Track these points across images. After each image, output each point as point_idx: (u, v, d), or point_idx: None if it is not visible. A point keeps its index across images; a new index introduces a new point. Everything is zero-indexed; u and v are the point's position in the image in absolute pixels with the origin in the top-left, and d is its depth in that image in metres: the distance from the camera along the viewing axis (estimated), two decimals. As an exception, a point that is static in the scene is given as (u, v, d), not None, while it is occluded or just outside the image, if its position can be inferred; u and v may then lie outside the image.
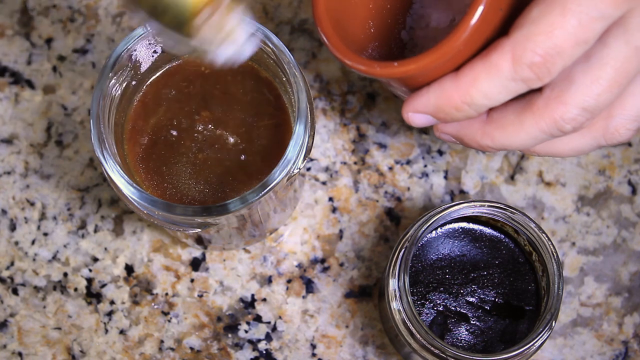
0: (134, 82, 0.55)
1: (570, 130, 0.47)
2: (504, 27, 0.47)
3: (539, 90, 0.47)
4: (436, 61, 0.47)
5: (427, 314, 0.56)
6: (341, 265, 0.65)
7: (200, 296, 0.65)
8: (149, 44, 0.53)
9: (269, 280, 0.65)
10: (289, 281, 0.65)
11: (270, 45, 0.52)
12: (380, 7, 0.57)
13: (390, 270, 0.55)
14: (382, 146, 0.66)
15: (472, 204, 0.55)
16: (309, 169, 0.66)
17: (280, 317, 0.64)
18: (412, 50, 0.58)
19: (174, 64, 0.57)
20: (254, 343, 0.64)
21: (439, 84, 0.47)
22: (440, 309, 0.56)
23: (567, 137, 0.49)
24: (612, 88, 0.45)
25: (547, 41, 0.43)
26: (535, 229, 0.54)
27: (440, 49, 0.47)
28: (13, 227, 0.66)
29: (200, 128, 0.55)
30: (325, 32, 0.51)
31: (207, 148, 0.55)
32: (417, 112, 0.49)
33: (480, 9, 0.46)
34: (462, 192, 0.66)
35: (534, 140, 0.48)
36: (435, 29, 0.57)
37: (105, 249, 0.65)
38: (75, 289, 0.65)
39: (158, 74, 0.56)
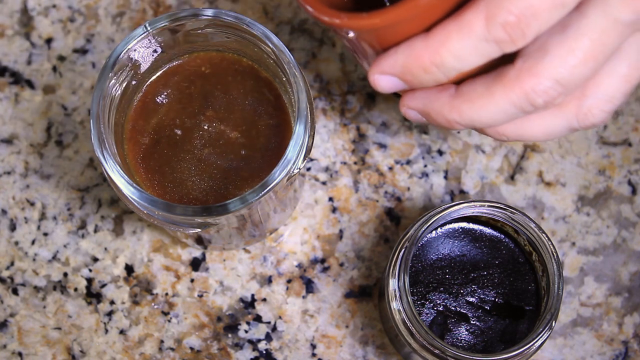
0: (134, 82, 0.55)
1: (541, 104, 0.45)
2: None
3: (510, 62, 0.45)
4: (407, 12, 0.44)
5: (427, 314, 0.56)
6: (341, 265, 0.65)
7: (200, 296, 0.65)
8: (149, 44, 0.53)
9: (269, 280, 0.65)
10: (289, 281, 0.65)
11: (270, 45, 0.52)
12: None
13: (390, 270, 0.55)
14: (382, 146, 0.66)
15: (472, 204, 0.55)
16: (309, 169, 0.66)
17: (280, 317, 0.64)
18: None
19: (174, 63, 0.57)
20: (254, 343, 0.64)
21: (408, 44, 0.45)
22: (440, 309, 0.56)
23: (539, 117, 0.47)
24: (588, 61, 0.43)
25: (523, 1, 0.41)
26: (535, 229, 0.54)
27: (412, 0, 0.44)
28: (13, 227, 0.66)
29: (200, 128, 0.55)
30: None
31: (206, 148, 0.55)
32: (383, 74, 0.46)
33: None
34: (462, 192, 0.66)
35: (503, 114, 0.46)
36: None
37: (105, 249, 0.65)
38: (75, 289, 0.65)
39: (158, 74, 0.56)
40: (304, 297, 0.65)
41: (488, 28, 0.42)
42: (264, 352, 0.64)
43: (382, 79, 0.46)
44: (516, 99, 0.45)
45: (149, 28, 0.52)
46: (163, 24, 0.52)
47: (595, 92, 0.46)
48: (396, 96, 0.67)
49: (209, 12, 0.52)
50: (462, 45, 0.43)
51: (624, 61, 0.45)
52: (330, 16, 0.46)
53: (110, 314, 0.64)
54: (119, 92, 0.54)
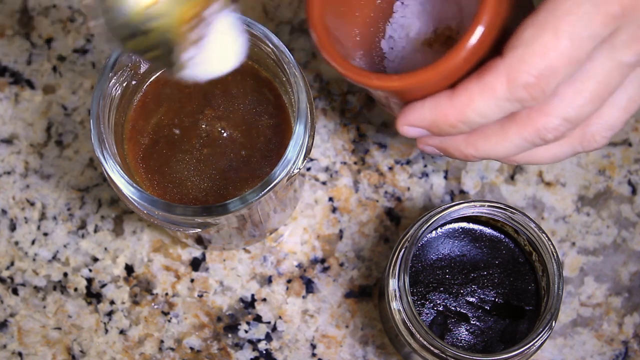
0: (134, 82, 0.55)
1: (551, 139, 0.48)
2: (496, 47, 0.47)
3: None
4: (434, 77, 0.48)
5: (427, 314, 0.56)
6: (341, 265, 0.65)
7: (200, 296, 0.65)
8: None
9: (269, 280, 0.65)
10: (289, 281, 0.65)
11: (270, 45, 0.52)
12: (364, 15, 0.58)
13: (390, 270, 0.55)
14: (382, 146, 0.66)
15: (472, 204, 0.55)
16: (309, 169, 0.66)
17: (280, 317, 0.64)
18: (393, 60, 0.58)
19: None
20: (254, 343, 0.64)
21: (434, 101, 0.48)
22: (440, 309, 0.56)
23: (547, 147, 0.51)
24: (594, 101, 0.47)
25: (541, 62, 0.44)
26: (535, 229, 0.54)
27: (440, 66, 0.47)
28: (13, 227, 0.66)
29: (199, 128, 0.55)
30: (321, 41, 0.52)
31: (206, 148, 0.55)
32: (412, 126, 0.50)
33: (480, 29, 0.46)
34: (462, 192, 0.66)
35: (516, 148, 0.49)
36: (416, 40, 0.57)
37: (105, 249, 0.65)
38: (75, 289, 0.65)
39: (158, 73, 0.56)
40: (304, 297, 0.65)
41: (510, 90, 0.45)
42: (264, 352, 0.64)
43: (410, 129, 0.50)
44: (528, 136, 0.48)
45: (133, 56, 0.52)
46: None
47: (598, 121, 0.49)
48: None
49: None
50: (485, 105, 0.46)
51: (624, 94, 0.48)
52: (361, 77, 0.50)
53: (110, 314, 0.64)
54: (119, 92, 0.54)
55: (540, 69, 0.44)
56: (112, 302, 0.64)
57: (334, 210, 0.66)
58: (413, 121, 0.49)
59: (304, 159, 0.52)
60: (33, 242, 0.65)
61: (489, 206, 0.55)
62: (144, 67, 0.55)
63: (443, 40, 0.57)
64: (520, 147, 0.49)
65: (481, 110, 0.46)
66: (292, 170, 0.51)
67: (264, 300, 0.65)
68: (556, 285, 0.53)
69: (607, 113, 0.48)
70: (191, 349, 0.64)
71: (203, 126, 0.55)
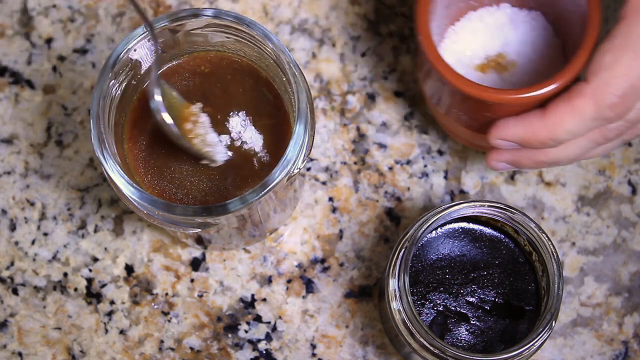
0: (133, 82, 0.55)
1: (613, 137, 0.54)
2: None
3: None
4: (551, 92, 0.53)
5: (427, 314, 0.56)
6: (341, 265, 0.65)
7: (200, 296, 0.65)
8: (149, 44, 0.53)
9: (269, 280, 0.65)
10: (289, 281, 0.65)
11: (270, 45, 0.52)
12: None
13: (390, 270, 0.55)
14: (382, 146, 0.66)
15: (472, 204, 0.55)
16: (309, 169, 0.66)
17: (280, 317, 0.64)
18: None
19: (174, 63, 0.57)
20: (254, 343, 0.64)
21: (527, 120, 0.53)
22: (440, 309, 0.56)
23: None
24: None
25: (624, 83, 0.48)
26: (535, 229, 0.54)
27: (556, 81, 0.53)
28: (13, 227, 0.66)
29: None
30: (432, 50, 0.56)
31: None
32: (504, 140, 0.54)
33: (589, 52, 0.53)
34: (462, 192, 0.66)
35: (583, 151, 0.55)
36: (467, 65, 0.61)
37: (105, 249, 0.65)
38: (75, 289, 0.65)
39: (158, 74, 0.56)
40: (304, 297, 0.65)
41: (598, 111, 0.49)
42: (264, 352, 0.64)
43: (501, 142, 0.55)
44: (594, 137, 0.54)
45: (147, 28, 0.52)
46: (163, 24, 0.52)
47: None
48: (396, 95, 0.67)
49: (209, 12, 0.52)
50: (574, 124, 0.51)
51: None
52: (480, 91, 0.54)
53: (110, 314, 0.64)
54: (119, 92, 0.54)
55: (623, 90, 0.48)
56: (112, 302, 0.64)
57: (334, 210, 0.66)
58: (506, 136, 0.54)
59: (304, 158, 0.52)
60: (33, 242, 0.65)
61: (489, 206, 0.55)
62: (143, 68, 0.55)
63: (493, 66, 0.60)
64: (584, 149, 0.54)
65: (571, 129, 0.51)
66: (292, 170, 0.51)
67: (264, 300, 0.65)
68: (556, 285, 0.53)
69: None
70: (191, 349, 0.64)
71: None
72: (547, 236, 0.54)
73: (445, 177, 0.66)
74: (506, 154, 0.57)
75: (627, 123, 0.52)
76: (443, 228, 0.58)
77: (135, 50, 0.53)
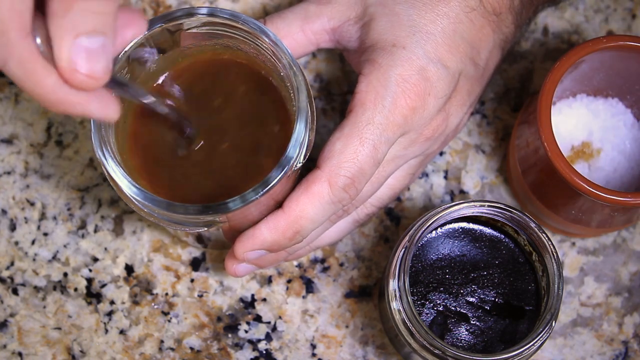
0: (134, 82, 0.55)
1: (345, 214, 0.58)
2: None
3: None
4: None
5: (427, 314, 0.56)
6: (341, 265, 0.65)
7: (200, 296, 0.65)
8: (147, 44, 0.53)
9: (269, 280, 0.65)
10: (289, 281, 0.65)
11: (267, 41, 0.52)
12: None
13: (390, 270, 0.55)
14: (382, 146, 0.66)
15: (472, 204, 0.55)
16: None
17: (280, 317, 0.64)
18: None
19: (173, 63, 0.56)
20: (254, 343, 0.64)
21: (271, 223, 0.54)
22: (440, 309, 0.56)
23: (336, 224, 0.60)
24: (379, 185, 0.58)
25: (353, 166, 0.53)
26: (535, 229, 0.54)
27: None
28: (13, 227, 0.66)
29: (200, 126, 0.55)
30: (555, 148, 0.57)
31: (207, 147, 0.55)
32: (252, 251, 0.55)
33: None
34: (462, 192, 0.66)
35: (317, 235, 0.59)
36: None
37: (105, 249, 0.65)
38: (75, 289, 0.65)
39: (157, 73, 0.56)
40: (304, 297, 0.65)
41: (334, 193, 0.53)
42: (264, 352, 0.64)
43: (251, 254, 0.55)
44: (332, 218, 0.58)
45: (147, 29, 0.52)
46: (159, 25, 0.52)
47: (373, 197, 0.60)
48: None
49: (204, 11, 0.52)
50: (315, 211, 0.53)
51: (392, 178, 0.60)
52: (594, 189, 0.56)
53: (110, 314, 0.64)
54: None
55: (353, 172, 0.53)
56: (112, 302, 0.64)
57: (334, 210, 0.66)
58: (254, 246, 0.55)
59: (305, 156, 0.52)
60: (33, 242, 0.65)
61: (489, 206, 0.55)
62: (143, 68, 0.55)
63: (581, 155, 0.63)
64: (319, 232, 0.59)
65: (313, 217, 0.54)
66: (294, 165, 0.51)
67: (264, 300, 0.65)
68: (556, 285, 0.53)
69: (381, 191, 0.60)
70: (191, 349, 0.64)
71: (203, 124, 0.55)
72: (547, 236, 0.54)
73: (445, 177, 0.66)
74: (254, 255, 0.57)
75: (356, 202, 0.57)
76: (443, 228, 0.58)
77: (135, 51, 0.53)
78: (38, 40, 0.41)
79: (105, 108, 0.44)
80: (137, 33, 0.47)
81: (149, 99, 0.50)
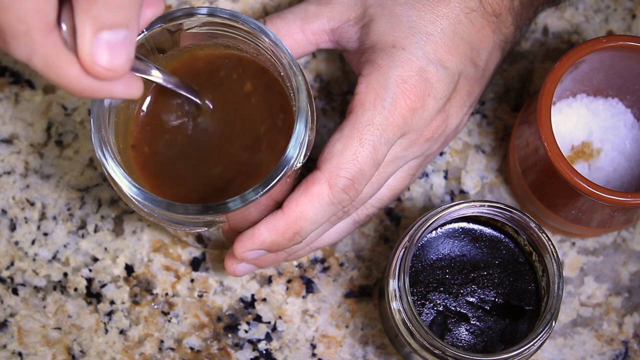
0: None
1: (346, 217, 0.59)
2: None
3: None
4: None
5: (427, 314, 0.56)
6: (341, 265, 0.65)
7: (200, 296, 0.65)
8: (147, 45, 0.53)
9: (269, 280, 0.65)
10: (289, 281, 0.65)
11: (267, 40, 0.52)
12: None
13: (390, 270, 0.55)
14: (382, 146, 0.66)
15: (472, 204, 0.55)
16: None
17: (280, 317, 0.64)
18: None
19: (172, 63, 0.56)
20: (254, 343, 0.64)
21: (270, 224, 0.54)
22: (440, 309, 0.56)
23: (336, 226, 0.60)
24: (379, 186, 0.58)
25: (353, 167, 0.53)
26: (536, 229, 0.54)
27: None
28: (13, 227, 0.66)
29: (201, 127, 0.55)
30: (556, 150, 0.57)
31: (208, 146, 0.55)
32: (251, 251, 0.55)
33: None
34: (462, 192, 0.66)
35: (322, 230, 0.59)
36: None
37: (105, 249, 0.65)
38: (75, 289, 0.65)
39: None
40: (304, 297, 0.65)
41: (333, 193, 0.53)
42: (264, 352, 0.64)
43: (250, 254, 0.55)
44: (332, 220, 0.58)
45: (145, 30, 0.52)
46: (159, 25, 0.52)
47: (374, 198, 0.60)
48: None
49: (204, 11, 0.52)
50: (314, 212, 0.53)
51: (392, 179, 0.60)
52: (596, 190, 0.56)
53: (110, 314, 0.64)
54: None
55: (353, 172, 0.53)
56: (112, 302, 0.64)
57: (334, 210, 0.66)
58: (254, 247, 0.55)
59: (305, 156, 0.52)
60: (33, 242, 0.65)
61: (489, 206, 0.55)
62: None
63: (581, 155, 0.63)
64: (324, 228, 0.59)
65: (313, 218, 0.53)
66: (294, 165, 0.51)
67: (264, 300, 0.65)
68: (556, 285, 0.53)
69: (381, 192, 0.60)
70: (191, 349, 0.64)
71: (203, 125, 0.55)
72: (547, 236, 0.54)
73: (445, 177, 0.66)
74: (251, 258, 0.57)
75: (356, 203, 0.57)
76: (443, 228, 0.58)
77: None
78: (64, 28, 0.41)
79: (130, 88, 0.45)
80: (157, 12, 0.48)
81: (169, 79, 0.51)
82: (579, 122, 0.63)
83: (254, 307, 0.64)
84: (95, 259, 0.65)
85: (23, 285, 0.65)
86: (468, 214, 0.55)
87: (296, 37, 0.58)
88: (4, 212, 0.66)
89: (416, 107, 0.54)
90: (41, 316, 0.64)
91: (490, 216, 0.56)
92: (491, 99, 0.67)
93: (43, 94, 0.68)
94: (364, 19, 0.57)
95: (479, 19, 0.57)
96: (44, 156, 0.67)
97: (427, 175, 0.66)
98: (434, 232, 0.57)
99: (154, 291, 0.65)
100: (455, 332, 0.56)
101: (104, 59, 0.41)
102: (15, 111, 0.67)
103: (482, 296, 0.56)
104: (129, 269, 0.65)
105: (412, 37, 0.55)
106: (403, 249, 0.55)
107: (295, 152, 0.50)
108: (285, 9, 0.58)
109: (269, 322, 0.64)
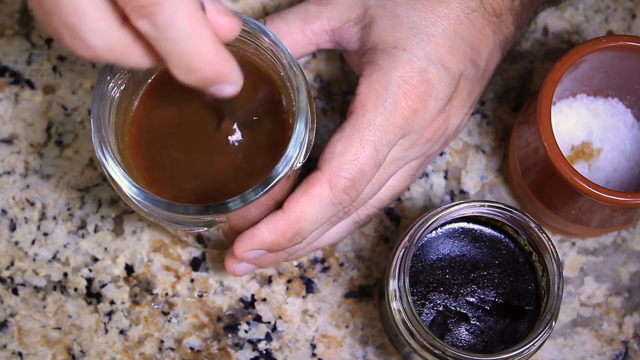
0: (133, 82, 0.55)
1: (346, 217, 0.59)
2: None
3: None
4: None
5: (427, 314, 0.56)
6: (341, 265, 0.65)
7: (200, 296, 0.65)
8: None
9: (269, 280, 0.65)
10: (289, 281, 0.65)
11: (267, 40, 0.52)
12: None
13: (390, 270, 0.55)
14: (382, 146, 0.66)
15: (472, 204, 0.55)
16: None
17: (280, 317, 0.64)
18: None
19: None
20: (254, 343, 0.64)
21: (271, 224, 0.54)
22: (440, 309, 0.56)
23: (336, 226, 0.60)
24: (379, 186, 0.58)
25: (354, 167, 0.53)
26: (536, 229, 0.54)
27: None
28: (13, 227, 0.66)
29: (200, 127, 0.55)
30: (556, 150, 0.57)
31: (207, 146, 0.55)
32: (252, 251, 0.55)
33: None
34: (462, 192, 0.66)
35: (322, 231, 0.59)
36: None
37: (105, 249, 0.65)
38: (75, 289, 0.65)
39: (157, 74, 0.56)
40: (304, 297, 0.65)
41: (334, 195, 0.53)
42: (264, 352, 0.64)
43: (250, 254, 0.55)
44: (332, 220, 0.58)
45: None
46: None
47: (374, 198, 0.60)
48: None
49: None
50: (315, 213, 0.53)
51: (393, 179, 0.60)
52: (596, 190, 0.56)
53: (110, 314, 0.64)
54: (118, 93, 0.54)
55: (354, 173, 0.53)
56: (112, 302, 0.64)
57: (334, 210, 0.66)
58: (254, 246, 0.55)
59: (305, 156, 0.52)
60: (33, 242, 0.65)
61: (489, 206, 0.55)
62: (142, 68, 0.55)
63: (581, 155, 0.63)
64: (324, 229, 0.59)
65: (313, 218, 0.54)
66: (294, 165, 0.51)
67: (264, 300, 0.65)
68: (556, 285, 0.53)
69: (381, 192, 0.59)
70: (191, 349, 0.64)
71: (203, 125, 0.55)
72: (547, 236, 0.54)
73: (445, 177, 0.66)
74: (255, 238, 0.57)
75: (357, 204, 0.57)
76: (443, 228, 0.58)
77: None
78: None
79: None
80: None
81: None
82: (579, 122, 0.63)
83: (254, 307, 0.64)
84: (95, 259, 0.65)
85: (23, 285, 0.65)
86: (468, 214, 0.55)
87: (296, 37, 0.58)
88: (4, 212, 0.66)
89: (417, 107, 0.54)
90: (41, 316, 0.64)
91: (490, 216, 0.56)
92: (491, 99, 0.67)
93: (43, 94, 0.68)
94: (364, 20, 0.57)
95: (480, 19, 0.57)
96: (44, 156, 0.67)
97: (427, 175, 0.66)
98: (434, 232, 0.57)
99: (154, 291, 0.65)
100: (455, 332, 0.56)
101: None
102: (15, 111, 0.67)
103: (482, 296, 0.56)
104: (129, 269, 0.65)
105: (413, 38, 0.55)
106: (403, 249, 0.55)
107: (295, 152, 0.50)
108: (286, 9, 0.58)
109: (269, 322, 0.64)
